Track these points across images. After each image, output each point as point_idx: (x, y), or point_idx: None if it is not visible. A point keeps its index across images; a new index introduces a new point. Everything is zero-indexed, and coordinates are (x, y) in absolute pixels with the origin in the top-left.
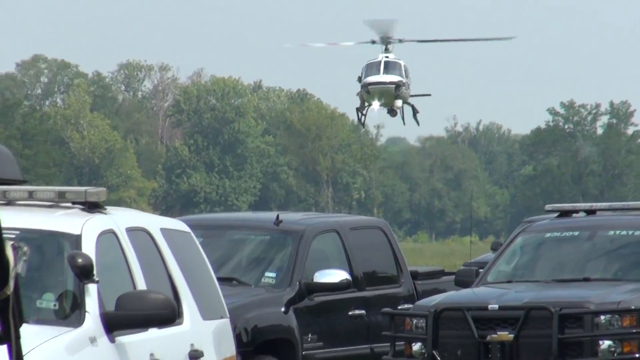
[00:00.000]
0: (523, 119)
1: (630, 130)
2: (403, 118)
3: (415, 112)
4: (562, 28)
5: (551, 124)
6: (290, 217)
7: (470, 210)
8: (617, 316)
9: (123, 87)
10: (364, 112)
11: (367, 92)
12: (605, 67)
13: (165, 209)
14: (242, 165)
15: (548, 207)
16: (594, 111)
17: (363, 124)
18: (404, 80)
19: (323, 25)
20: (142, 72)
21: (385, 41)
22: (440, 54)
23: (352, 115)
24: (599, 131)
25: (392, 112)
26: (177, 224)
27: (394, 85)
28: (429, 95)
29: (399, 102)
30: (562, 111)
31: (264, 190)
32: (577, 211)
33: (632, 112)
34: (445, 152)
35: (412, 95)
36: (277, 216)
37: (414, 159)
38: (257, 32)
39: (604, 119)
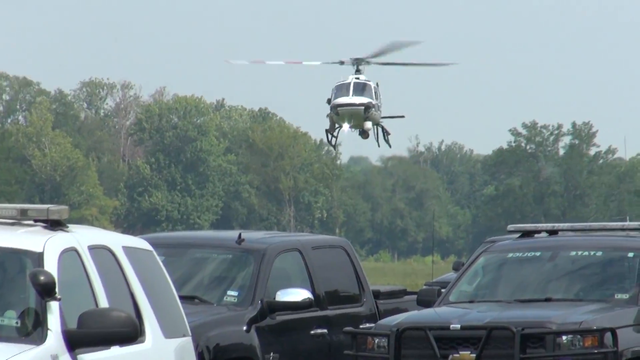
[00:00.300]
0: (485, 139)
1: (592, 151)
2: (377, 139)
3: (385, 133)
4: (524, 48)
5: (513, 144)
6: (252, 235)
7: (432, 230)
8: (579, 336)
9: (85, 105)
10: (335, 134)
11: (337, 114)
12: (568, 88)
13: (126, 227)
14: (204, 184)
15: (510, 227)
16: (556, 132)
17: (334, 146)
18: (374, 102)
19: (288, 43)
20: (105, 90)
21: (356, 62)
22: (402, 74)
23: (315, 135)
24: (561, 152)
25: (363, 134)
26: (139, 242)
27: (363, 107)
28: (402, 117)
29: (368, 124)
30: (524, 132)
31: (225, 209)
32: (539, 231)
33: (594, 133)
34: (407, 172)
35: (384, 117)
36: (239, 235)
37: (376, 179)
38: (220, 51)
39: (566, 140)
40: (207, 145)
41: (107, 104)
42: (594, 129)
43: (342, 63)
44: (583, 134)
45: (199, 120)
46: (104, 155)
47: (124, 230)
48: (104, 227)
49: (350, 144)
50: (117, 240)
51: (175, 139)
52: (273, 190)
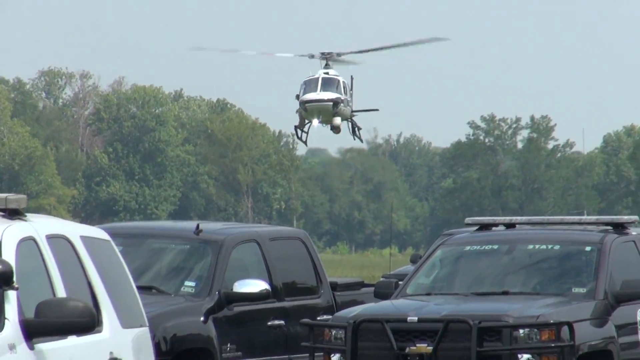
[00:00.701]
0: (444, 132)
1: (550, 145)
2: (352, 134)
3: (356, 128)
4: (483, 41)
5: (471, 137)
6: (210, 226)
7: (390, 222)
8: (535, 330)
9: (44, 94)
10: (305, 129)
11: (305, 110)
12: (526, 82)
13: (84, 216)
14: (162, 174)
15: (468, 220)
16: (514, 125)
17: (305, 142)
18: (343, 97)
19: (255, 34)
20: (63, 80)
21: (325, 57)
22: (361, 67)
23: (273, 126)
24: (519, 145)
25: (335, 129)
26: (97, 232)
27: (331, 103)
28: (377, 110)
29: (337, 120)
30: (482, 125)
31: (183, 199)
32: (496, 225)
33: (553, 127)
34: (365, 164)
35: (358, 111)
36: (197, 225)
37: (334, 171)
38: (179, 41)
39: (524, 133)
40: (166, 136)
41: (65, 93)
42: (552, 123)
43: (312, 56)
44: (541, 128)
45: (157, 111)
46: (62, 144)
47: (81, 220)
48: (62, 217)
49: (308, 135)
50: (75, 230)
51: (133, 129)
52: (231, 181)
